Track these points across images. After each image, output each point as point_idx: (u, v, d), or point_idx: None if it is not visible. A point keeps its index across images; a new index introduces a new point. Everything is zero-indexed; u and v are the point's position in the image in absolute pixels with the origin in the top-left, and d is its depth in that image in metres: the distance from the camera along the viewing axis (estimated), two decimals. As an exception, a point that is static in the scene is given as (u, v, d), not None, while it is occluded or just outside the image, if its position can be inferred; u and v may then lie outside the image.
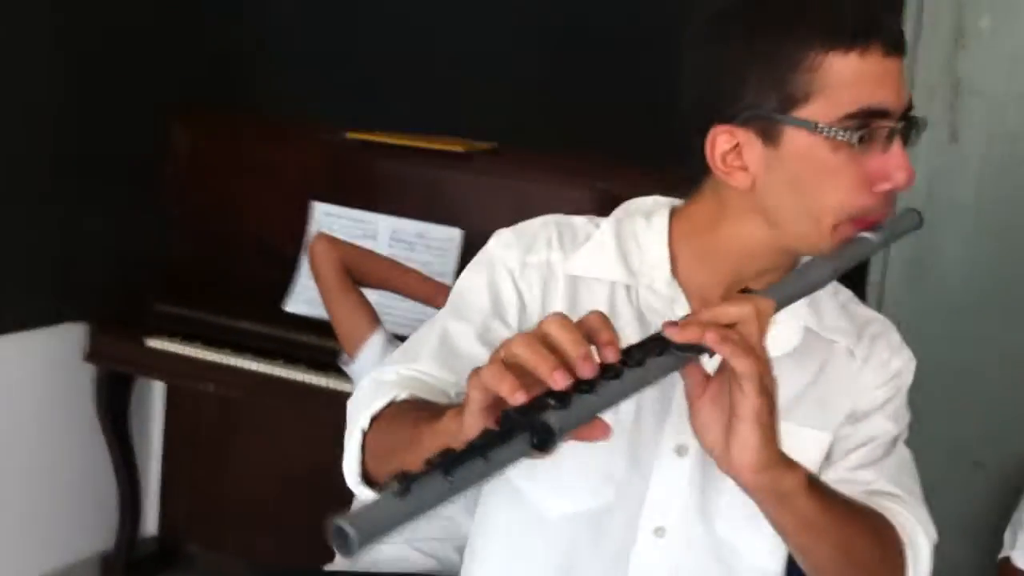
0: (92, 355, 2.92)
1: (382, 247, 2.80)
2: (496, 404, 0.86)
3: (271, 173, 2.99)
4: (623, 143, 2.76)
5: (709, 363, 0.98)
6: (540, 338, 0.88)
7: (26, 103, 2.79)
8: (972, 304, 2.44)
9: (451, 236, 2.79)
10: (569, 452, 1.13)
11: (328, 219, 2.86)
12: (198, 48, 3.15)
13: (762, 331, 0.95)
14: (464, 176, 2.85)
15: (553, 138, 2.97)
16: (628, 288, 1.17)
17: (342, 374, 2.27)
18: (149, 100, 3.06)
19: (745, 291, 1.02)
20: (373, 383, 1.13)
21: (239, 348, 2.80)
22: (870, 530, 1.08)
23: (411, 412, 1.03)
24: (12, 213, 2.79)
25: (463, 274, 1.23)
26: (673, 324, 0.93)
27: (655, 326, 1.10)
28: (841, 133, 1.04)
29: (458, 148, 2.86)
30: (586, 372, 0.86)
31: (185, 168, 3.05)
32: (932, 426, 2.46)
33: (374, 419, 1.06)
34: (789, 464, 0.99)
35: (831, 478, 1.15)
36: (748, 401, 0.93)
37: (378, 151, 2.89)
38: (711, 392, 0.97)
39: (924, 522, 1.14)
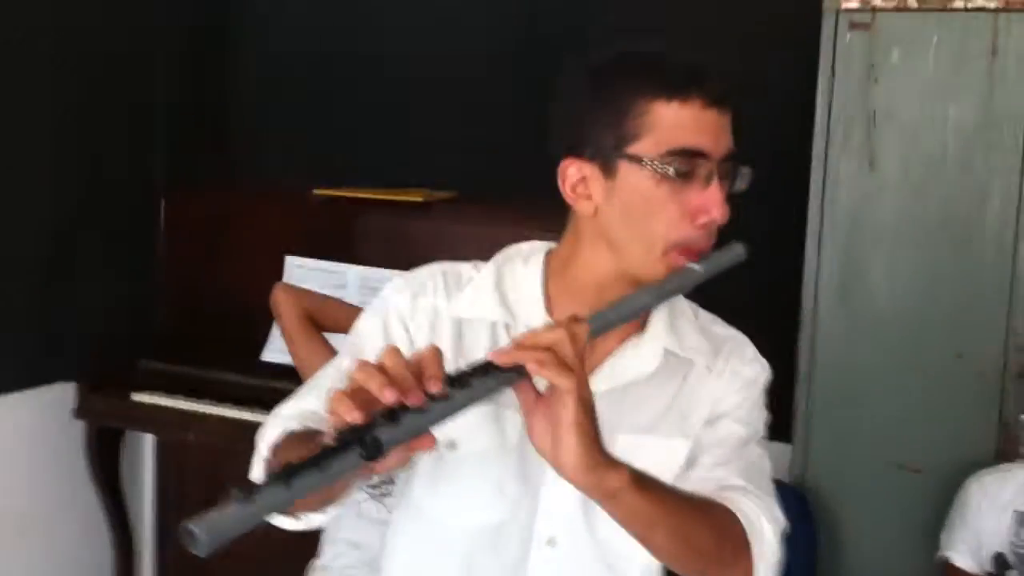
0: (81, 412, 3.07)
1: (352, 295, 2.95)
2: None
3: (246, 234, 3.16)
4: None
5: (541, 382, 1.11)
6: (377, 366, 1.02)
7: (18, 174, 2.98)
8: (897, 319, 2.58)
9: (416, 282, 2.94)
10: (465, 471, 1.28)
11: (300, 271, 3.02)
12: (178, 126, 3.38)
13: (577, 351, 1.08)
14: (426, 224, 3.02)
15: (511, 188, 3.14)
16: (508, 327, 1.30)
17: (312, 416, 2.40)
18: (133, 172, 3.28)
19: (572, 319, 1.15)
20: (275, 417, 1.28)
21: (220, 398, 2.96)
22: (708, 519, 1.19)
23: (301, 442, 1.15)
24: (4, 280, 2.96)
25: (360, 316, 1.37)
26: (497, 352, 1.08)
27: None
28: (660, 167, 1.20)
29: (418, 198, 3.03)
30: (412, 401, 1.00)
31: (169, 235, 3.24)
32: (867, 435, 2.61)
33: (276, 449, 1.20)
34: (612, 465, 1.10)
35: (692, 477, 1.28)
36: (568, 412, 1.06)
37: (343, 205, 3.07)
38: (541, 406, 1.10)
39: (768, 509, 1.25)
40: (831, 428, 2.62)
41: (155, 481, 3.40)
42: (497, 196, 3.12)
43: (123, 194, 3.25)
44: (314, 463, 0.94)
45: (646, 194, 1.21)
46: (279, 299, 2.33)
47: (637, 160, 1.21)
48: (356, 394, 1.01)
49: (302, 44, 3.38)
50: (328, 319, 2.35)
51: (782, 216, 2.64)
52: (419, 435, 1.01)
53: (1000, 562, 2.33)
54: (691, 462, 1.31)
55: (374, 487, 2.33)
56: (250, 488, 0.91)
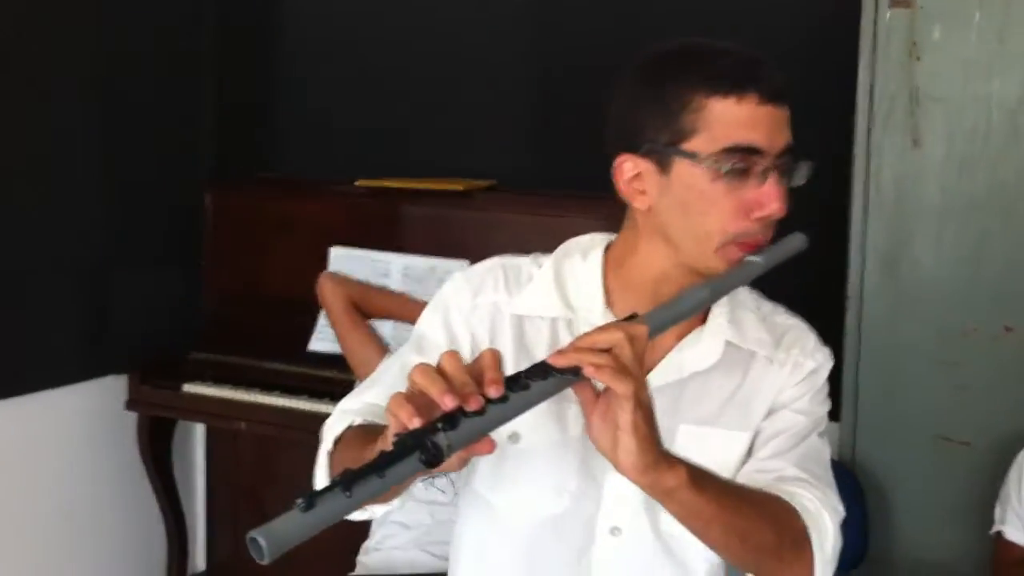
0: (133, 403, 3.14)
1: (395, 283, 2.99)
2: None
3: (291, 226, 3.21)
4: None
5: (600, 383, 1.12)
6: (436, 370, 1.04)
7: (69, 170, 3.05)
8: (942, 296, 2.57)
9: (459, 268, 2.97)
10: (527, 464, 1.30)
11: (344, 262, 3.06)
12: (224, 120, 3.46)
13: (636, 353, 1.09)
14: (466, 213, 3.05)
15: (548, 177, 3.17)
16: (569, 322, 1.31)
17: (361, 403, 2.44)
18: (181, 168, 3.35)
19: (631, 317, 1.17)
20: (339, 411, 1.30)
21: (268, 387, 3.01)
22: (767, 516, 1.20)
23: (364, 435, 1.18)
24: (56, 276, 3.03)
25: (422, 314, 1.38)
26: (556, 353, 1.09)
27: None
28: (715, 164, 1.20)
29: (458, 187, 3.06)
30: (472, 405, 1.01)
31: (215, 229, 3.30)
32: (915, 412, 2.60)
33: (337, 441, 1.23)
34: (670, 464, 1.12)
35: (748, 468, 1.29)
36: (625, 416, 1.08)
37: (386, 196, 3.10)
38: (600, 407, 1.11)
39: (828, 501, 1.26)
40: (879, 405, 2.62)
41: (206, 470, 3.46)
42: (535, 184, 3.14)
43: (170, 189, 3.32)
44: (374, 469, 0.96)
45: (701, 190, 1.22)
46: (325, 288, 2.37)
47: (692, 157, 1.21)
48: (415, 398, 1.03)
49: (346, 38, 3.41)
50: (373, 307, 2.38)
51: (827, 195, 2.64)
52: (478, 439, 1.03)
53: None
54: (751, 453, 1.32)
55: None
56: (312, 497, 0.93)
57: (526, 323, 1.31)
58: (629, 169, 1.26)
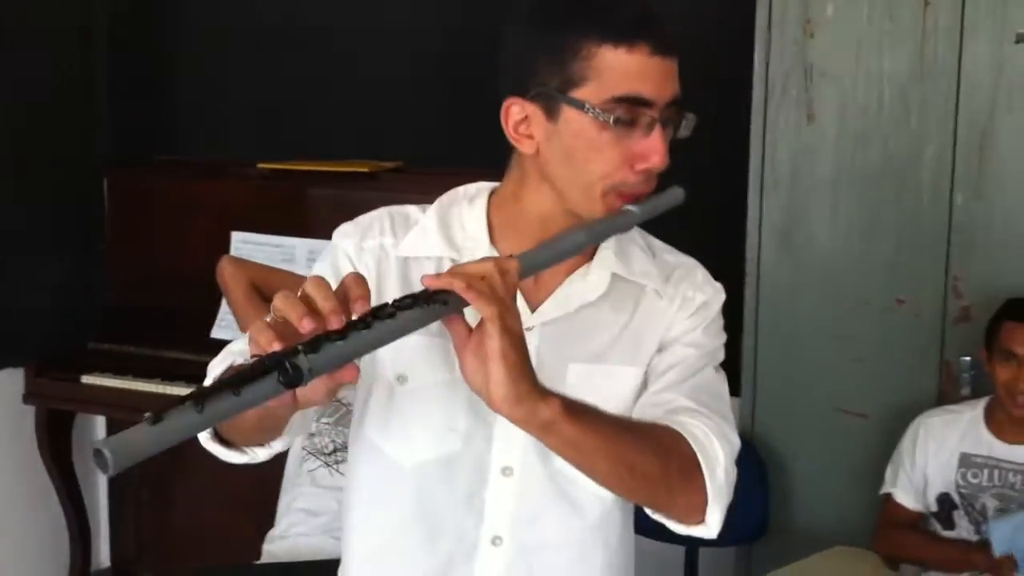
0: (30, 396, 3.05)
1: (301, 268, 2.94)
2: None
3: (192, 211, 3.14)
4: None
5: (472, 316, 1.12)
6: (299, 296, 1.03)
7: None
8: (837, 270, 2.63)
9: (365, 251, 2.94)
10: (415, 405, 1.28)
11: (247, 247, 3.00)
12: (120, 104, 3.34)
13: (507, 284, 1.09)
14: (372, 194, 2.99)
15: (455, 157, 3.14)
16: (454, 261, 1.29)
17: (267, 389, 2.40)
18: (76, 150, 3.22)
19: (508, 258, 1.16)
20: (225, 352, 1.28)
21: (171, 377, 2.94)
22: (651, 444, 1.20)
23: None
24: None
25: (315, 265, 1.36)
26: (429, 276, 1.09)
27: None
28: (603, 115, 1.19)
29: (364, 169, 3.02)
30: (333, 324, 1.00)
31: (113, 214, 3.20)
32: (813, 386, 2.67)
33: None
34: (543, 396, 1.11)
35: (641, 402, 1.29)
36: (493, 342, 1.07)
37: (289, 178, 3.05)
38: (472, 343, 1.11)
39: (719, 429, 1.25)
40: (778, 379, 2.68)
41: (109, 463, 3.37)
42: (442, 164, 3.12)
43: (65, 172, 3.20)
44: (228, 385, 0.93)
45: (587, 138, 1.21)
46: (226, 272, 2.32)
47: (579, 105, 1.20)
48: (279, 325, 1.01)
49: (246, 16, 3.34)
50: (275, 289, 2.33)
51: (725, 167, 2.68)
52: (341, 365, 1.00)
53: (946, 503, 2.41)
54: (644, 388, 1.32)
55: (328, 454, 2.35)
56: (160, 410, 0.89)
57: (412, 264, 1.31)
58: (516, 112, 1.25)
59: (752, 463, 2.63)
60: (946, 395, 2.58)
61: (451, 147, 3.19)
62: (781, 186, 2.65)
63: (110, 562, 3.38)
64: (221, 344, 3.06)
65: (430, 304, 1.06)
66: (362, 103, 3.24)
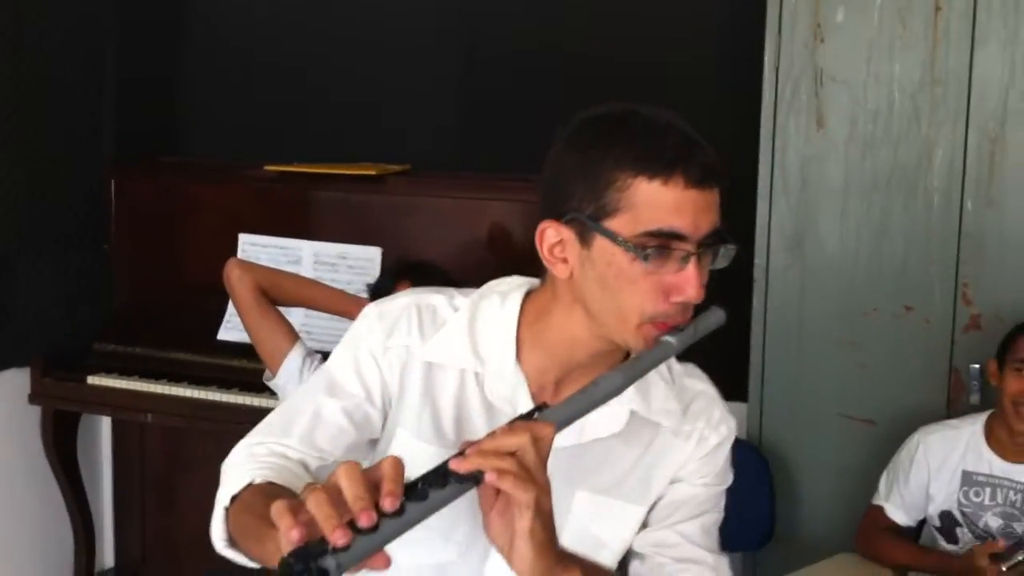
0: (35, 396, 3.05)
1: (306, 270, 2.95)
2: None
3: (198, 212, 3.14)
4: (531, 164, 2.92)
5: None
6: (329, 491, 0.99)
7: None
8: (845, 276, 2.62)
9: (370, 255, 2.94)
10: None
11: (253, 249, 3.00)
12: (128, 105, 3.34)
13: (541, 456, 1.07)
14: (379, 198, 3.01)
15: (469, 162, 3.14)
16: (477, 375, 1.28)
17: (273, 393, 2.40)
18: (83, 151, 3.22)
19: (541, 407, 1.14)
20: (244, 455, 1.25)
21: (176, 378, 2.94)
22: None
23: (264, 498, 1.12)
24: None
25: (334, 351, 1.34)
26: (458, 460, 1.05)
27: (500, 411, 1.26)
28: (635, 249, 1.17)
29: (371, 172, 3.02)
30: (363, 523, 0.96)
31: (119, 215, 3.20)
32: (819, 392, 2.65)
33: (234, 498, 1.18)
34: (565, 567, 1.12)
35: (647, 539, 1.30)
36: (523, 523, 1.06)
37: (296, 181, 3.05)
38: (499, 505, 1.09)
39: None
40: (784, 384, 2.66)
41: (113, 464, 3.38)
42: (449, 169, 3.12)
43: (72, 174, 3.20)
44: None
45: (620, 268, 1.18)
46: (232, 275, 2.32)
47: (612, 236, 1.18)
48: (301, 509, 0.98)
49: (254, 19, 3.33)
50: (282, 293, 2.34)
51: (733, 172, 2.66)
52: (370, 556, 0.98)
53: (949, 519, 2.39)
54: (647, 521, 1.32)
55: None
56: None
57: (436, 371, 1.29)
58: (551, 236, 1.23)
59: (758, 469, 2.61)
60: (954, 403, 2.56)
61: (458, 151, 3.19)
62: (790, 191, 2.63)
63: (114, 563, 3.37)
64: (227, 346, 3.09)
65: (462, 481, 1.05)
66: (370, 106, 3.23)
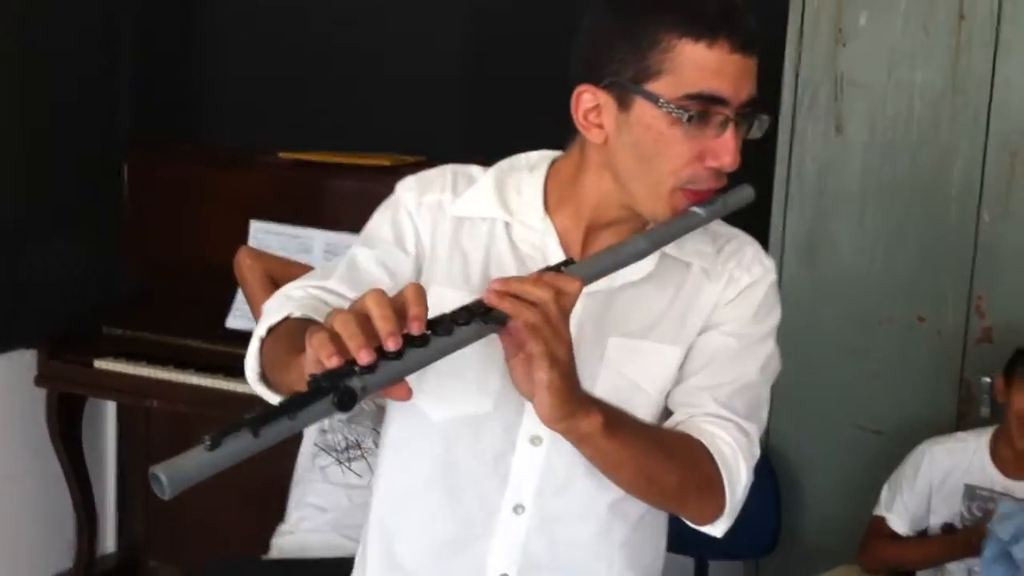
0: (42, 378, 3.04)
1: (317, 259, 2.93)
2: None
3: (211, 198, 3.13)
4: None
5: None
6: (357, 313, 1.02)
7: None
8: (859, 285, 2.60)
9: (382, 246, 2.93)
10: (450, 365, 1.23)
11: (264, 236, 2.99)
12: (143, 87, 3.32)
13: (564, 311, 1.09)
14: (393, 187, 2.99)
15: (477, 151, 3.11)
16: (507, 224, 1.31)
17: (278, 381, 2.39)
18: (97, 134, 3.22)
19: (568, 262, 1.16)
20: (282, 296, 1.28)
21: (183, 365, 2.94)
22: (679, 461, 1.21)
23: (296, 333, 1.14)
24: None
25: (374, 214, 1.37)
26: (489, 293, 1.08)
27: (529, 257, 1.29)
28: (677, 111, 1.17)
29: (385, 163, 3.00)
30: (390, 346, 0.99)
31: (132, 199, 3.19)
32: (828, 400, 2.63)
33: (271, 329, 1.21)
34: (586, 411, 1.13)
35: (676, 396, 1.29)
36: (541, 374, 1.08)
37: (310, 169, 3.03)
38: (522, 358, 1.11)
39: (748, 447, 1.26)
40: (794, 391, 2.63)
41: (117, 447, 3.37)
42: (464, 159, 3.09)
43: (85, 157, 3.20)
44: (285, 411, 0.95)
45: (658, 132, 1.19)
46: (243, 263, 2.31)
47: (654, 99, 1.18)
48: (337, 339, 1.00)
49: (274, 6, 3.32)
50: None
51: (749, 176, 2.64)
52: (395, 382, 1.01)
53: (952, 531, 2.37)
54: (683, 367, 1.30)
55: (341, 451, 2.33)
56: (219, 436, 0.92)
57: (465, 225, 1.31)
58: (588, 100, 1.23)
59: (765, 476, 2.60)
60: (964, 415, 2.54)
61: (473, 142, 3.17)
62: (806, 197, 2.61)
63: (116, 547, 3.37)
64: (235, 333, 3.09)
65: (487, 321, 1.07)
66: (386, 96, 3.22)
